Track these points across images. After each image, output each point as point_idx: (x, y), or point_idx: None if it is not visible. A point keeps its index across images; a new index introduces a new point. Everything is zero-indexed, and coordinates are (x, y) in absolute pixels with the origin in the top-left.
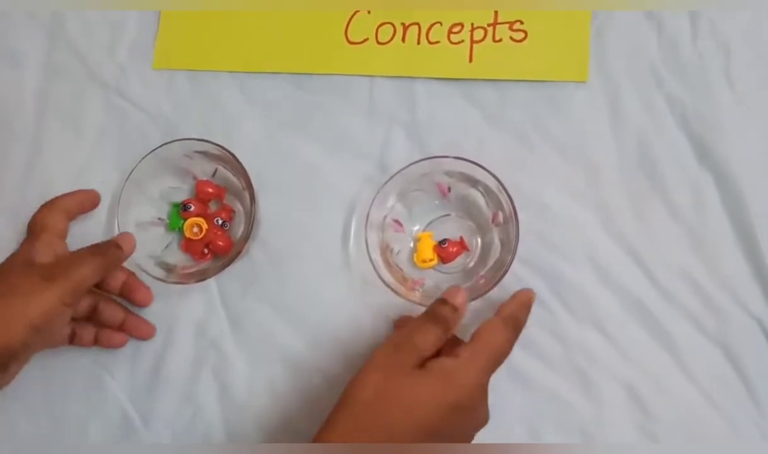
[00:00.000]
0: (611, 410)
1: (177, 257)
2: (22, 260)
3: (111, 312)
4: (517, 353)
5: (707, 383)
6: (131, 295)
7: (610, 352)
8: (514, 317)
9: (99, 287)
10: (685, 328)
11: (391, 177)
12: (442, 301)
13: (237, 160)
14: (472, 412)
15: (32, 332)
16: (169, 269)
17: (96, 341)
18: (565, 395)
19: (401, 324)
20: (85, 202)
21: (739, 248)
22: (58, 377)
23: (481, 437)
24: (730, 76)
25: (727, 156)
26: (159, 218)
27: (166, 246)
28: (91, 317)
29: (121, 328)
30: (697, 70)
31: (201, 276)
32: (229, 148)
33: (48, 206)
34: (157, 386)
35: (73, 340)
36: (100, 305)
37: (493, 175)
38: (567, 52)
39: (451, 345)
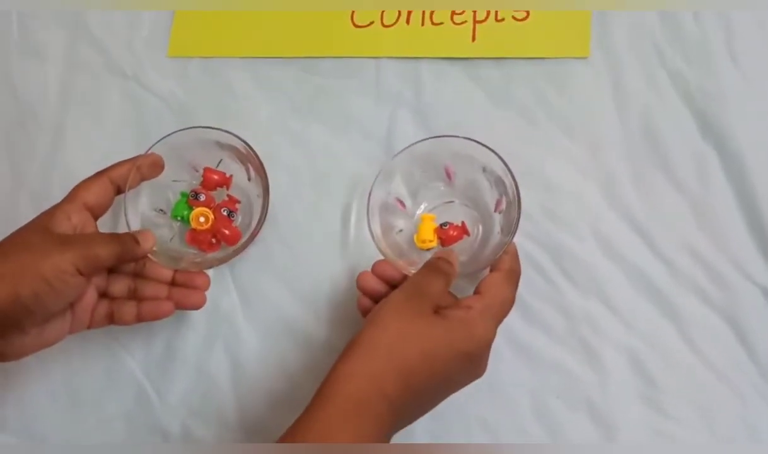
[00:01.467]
0: (616, 381)
1: (183, 250)
2: (38, 225)
3: (153, 287)
4: (521, 326)
5: (712, 354)
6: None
7: (614, 324)
8: (514, 270)
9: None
10: (690, 299)
11: (397, 154)
12: (437, 257)
13: (249, 147)
14: (478, 362)
15: (43, 284)
16: (177, 258)
17: (139, 317)
18: (570, 367)
19: (361, 281)
20: (143, 168)
21: (742, 220)
22: (77, 355)
23: (489, 416)
24: (733, 51)
25: (730, 130)
26: (160, 210)
27: (171, 239)
28: (132, 296)
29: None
30: (699, 45)
31: (209, 265)
32: (240, 136)
33: (94, 175)
34: (172, 362)
35: (113, 319)
36: (139, 283)
37: (500, 157)
38: (569, 28)
39: (452, 300)
